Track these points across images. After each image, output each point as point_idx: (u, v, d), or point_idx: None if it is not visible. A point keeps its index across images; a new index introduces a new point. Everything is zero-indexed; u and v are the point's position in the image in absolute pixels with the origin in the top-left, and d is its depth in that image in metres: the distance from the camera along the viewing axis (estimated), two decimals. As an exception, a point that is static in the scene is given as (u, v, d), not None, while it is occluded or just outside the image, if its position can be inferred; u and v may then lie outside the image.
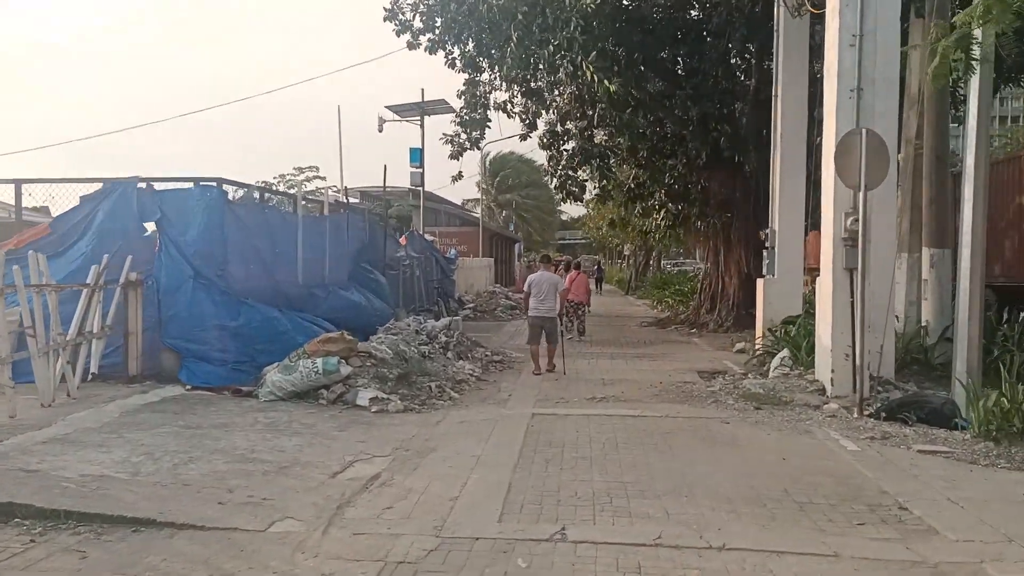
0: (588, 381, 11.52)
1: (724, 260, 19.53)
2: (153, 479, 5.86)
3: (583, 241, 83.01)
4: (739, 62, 19.01)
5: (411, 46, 18.34)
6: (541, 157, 21.86)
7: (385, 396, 9.17)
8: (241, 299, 10.21)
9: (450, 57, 17.37)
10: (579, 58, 14.63)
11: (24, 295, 7.65)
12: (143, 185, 9.99)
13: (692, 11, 18.41)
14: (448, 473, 6.40)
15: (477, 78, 18.07)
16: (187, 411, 8.29)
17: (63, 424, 7.27)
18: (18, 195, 10.18)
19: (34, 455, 6.22)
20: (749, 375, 11.54)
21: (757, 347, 13.40)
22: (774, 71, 13.96)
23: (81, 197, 10.03)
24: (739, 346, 15.04)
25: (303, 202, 12.92)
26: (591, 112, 17.56)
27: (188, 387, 9.43)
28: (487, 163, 55.73)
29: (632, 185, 20.05)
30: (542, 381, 11.53)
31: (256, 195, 11.38)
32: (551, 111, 18.64)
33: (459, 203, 58.15)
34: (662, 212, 20.60)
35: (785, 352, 11.40)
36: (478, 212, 50.77)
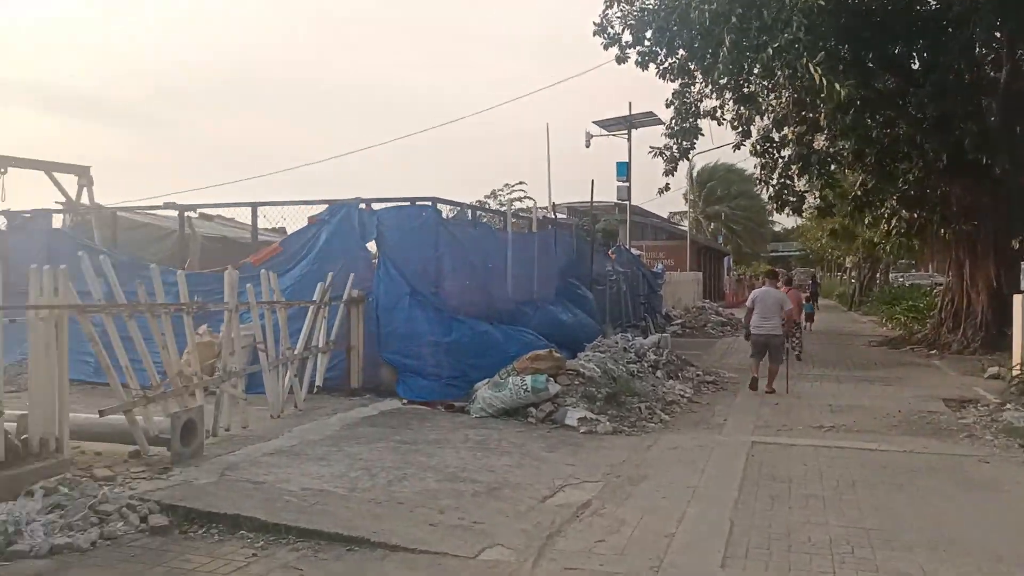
0: (813, 407, 10.58)
1: (969, 273, 17.45)
2: (369, 495, 5.95)
3: (797, 253, 78.58)
4: (986, 52, 16.95)
5: (619, 60, 18.07)
6: (751, 166, 20.71)
7: (594, 416, 8.89)
8: (454, 314, 10.39)
9: (660, 67, 16.90)
10: (802, 59, 13.62)
11: (257, 311, 8.17)
12: (363, 206, 10.45)
13: (929, 1, 16.66)
14: (662, 505, 5.98)
15: (688, 86, 17.45)
16: (403, 426, 8.47)
17: (289, 436, 7.65)
18: (254, 217, 11.03)
19: (261, 466, 6.54)
20: (1009, 405, 10.06)
21: (1016, 372, 11.71)
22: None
23: (309, 218, 10.68)
24: (992, 371, 13.25)
25: (512, 219, 13.04)
26: (811, 115, 16.36)
27: (404, 401, 9.69)
28: (694, 175, 54.26)
29: (859, 192, 18.44)
30: (760, 405, 10.74)
31: (468, 213, 11.58)
32: (765, 116, 17.61)
33: (665, 216, 57.04)
34: (893, 221, 18.77)
35: (1054, 380, 9.84)
36: (685, 225, 49.49)
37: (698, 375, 13.07)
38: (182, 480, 6.09)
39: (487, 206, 15.67)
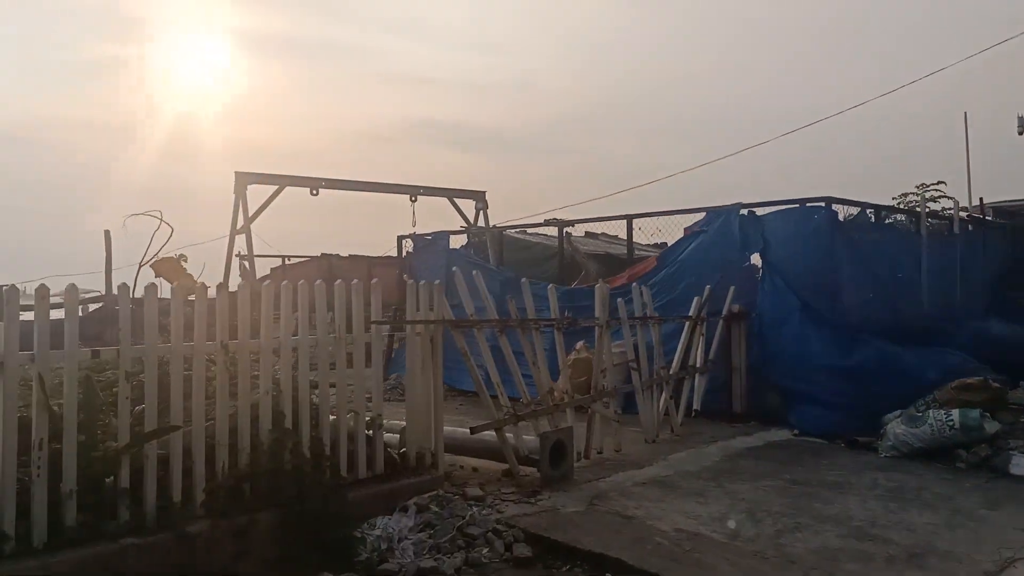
0: None
1: None
2: (752, 546, 5.01)
3: None
4: None
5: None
6: None
7: (1053, 467, 6.83)
8: (854, 333, 8.89)
9: None
10: None
11: (628, 327, 7.66)
12: (744, 212, 9.47)
13: None
14: None
15: None
16: (794, 461, 7.32)
17: (663, 464, 6.98)
18: (629, 230, 10.67)
19: (632, 498, 5.95)
20: None
21: None
22: None
23: (685, 228, 10.01)
24: None
25: (927, 221, 10.97)
26: None
27: (795, 432, 8.48)
28: None
29: None
30: None
31: (870, 214, 9.93)
32: None
33: None
34: None
35: None
36: None
37: None
38: (550, 506, 5.74)
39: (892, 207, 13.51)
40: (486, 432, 6.23)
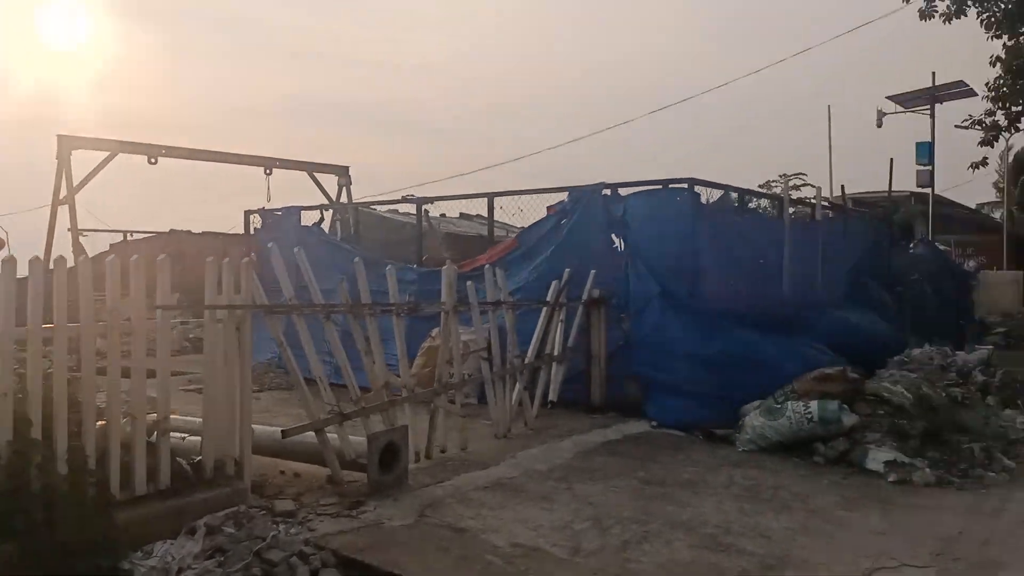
0: None
1: None
2: (594, 562, 4.44)
3: None
4: None
5: (924, 15, 14.97)
6: None
7: (907, 460, 6.64)
8: (715, 321, 8.56)
9: (987, 9, 13.59)
10: None
11: (478, 313, 7.00)
12: (608, 191, 8.98)
13: None
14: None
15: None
16: (650, 457, 6.86)
17: (511, 463, 6.36)
18: (490, 208, 10.01)
19: (470, 505, 5.29)
20: None
21: None
22: None
23: (548, 208, 9.43)
24: None
25: (790, 208, 10.85)
26: None
27: (654, 424, 8.07)
28: (1009, 158, 46.35)
29: None
30: None
31: (734, 198, 9.65)
32: None
33: (972, 208, 49.44)
34: None
35: None
36: (999, 217, 42.38)
37: (1043, 403, 10.01)
38: (373, 519, 5.00)
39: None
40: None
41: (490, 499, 5.47)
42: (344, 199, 15.94)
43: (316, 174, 16.24)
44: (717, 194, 9.36)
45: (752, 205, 10.45)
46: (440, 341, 8.72)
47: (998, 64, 14.15)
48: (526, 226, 9.86)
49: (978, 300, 22.09)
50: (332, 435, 5.56)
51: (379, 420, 5.89)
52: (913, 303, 14.67)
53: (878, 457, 6.64)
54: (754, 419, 7.39)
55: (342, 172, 16.39)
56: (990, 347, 13.02)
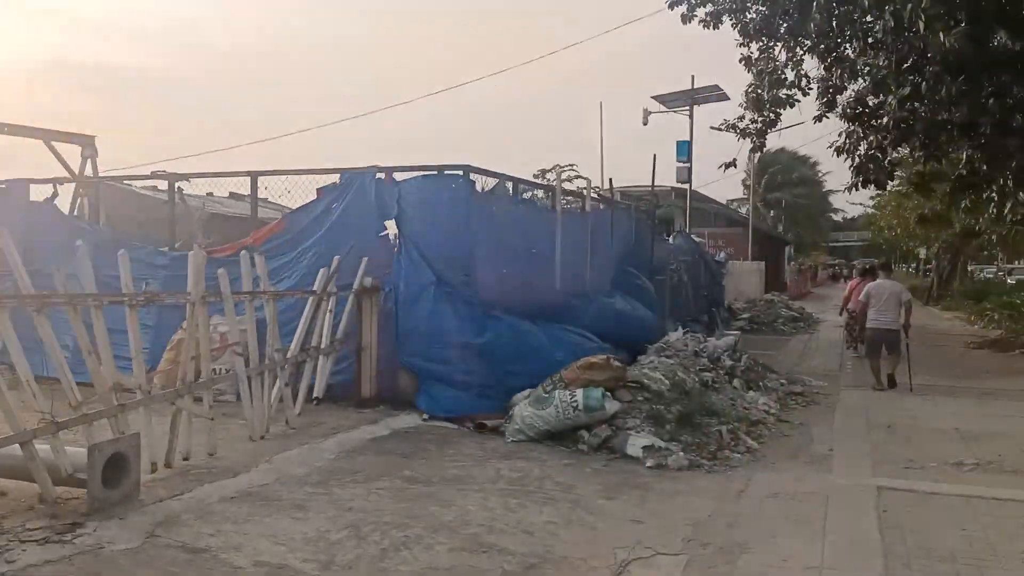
0: (937, 432, 8.43)
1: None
2: (348, 577, 4.09)
3: (860, 244, 74.87)
4: None
5: (686, 19, 15.86)
6: (815, 152, 18.36)
7: (663, 445, 6.90)
8: (488, 310, 8.47)
9: (739, 22, 14.61)
10: (907, 6, 11.37)
11: (231, 304, 6.36)
12: (382, 175, 8.59)
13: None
14: (781, 605, 4.01)
15: (770, 45, 15.14)
16: (416, 454, 6.61)
17: (266, 468, 5.84)
18: (254, 188, 9.23)
19: (211, 520, 4.73)
20: None
21: None
22: None
23: (318, 190, 8.86)
24: None
25: (563, 198, 11.04)
26: (917, 79, 13.97)
27: (425, 417, 7.84)
28: (755, 160, 51.41)
29: (964, 172, 15.89)
30: (869, 429, 8.61)
31: (508, 187, 9.62)
32: (859, 78, 15.19)
33: (723, 203, 54.30)
34: (1008, 206, 16.15)
35: None
36: (744, 212, 46.83)
37: (781, 384, 10.98)
38: (92, 544, 4.32)
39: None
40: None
41: (236, 511, 4.94)
42: (89, 172, 14.19)
43: (54, 143, 14.30)
44: (492, 182, 9.28)
45: (527, 195, 10.49)
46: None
47: (752, 69, 15.31)
48: (294, 208, 9.24)
49: (727, 287, 24.18)
50: (44, 447, 4.76)
51: (110, 428, 5.14)
52: (672, 290, 15.63)
53: (637, 443, 6.84)
54: (523, 409, 7.37)
55: (88, 143, 14.52)
56: (738, 332, 14.15)
